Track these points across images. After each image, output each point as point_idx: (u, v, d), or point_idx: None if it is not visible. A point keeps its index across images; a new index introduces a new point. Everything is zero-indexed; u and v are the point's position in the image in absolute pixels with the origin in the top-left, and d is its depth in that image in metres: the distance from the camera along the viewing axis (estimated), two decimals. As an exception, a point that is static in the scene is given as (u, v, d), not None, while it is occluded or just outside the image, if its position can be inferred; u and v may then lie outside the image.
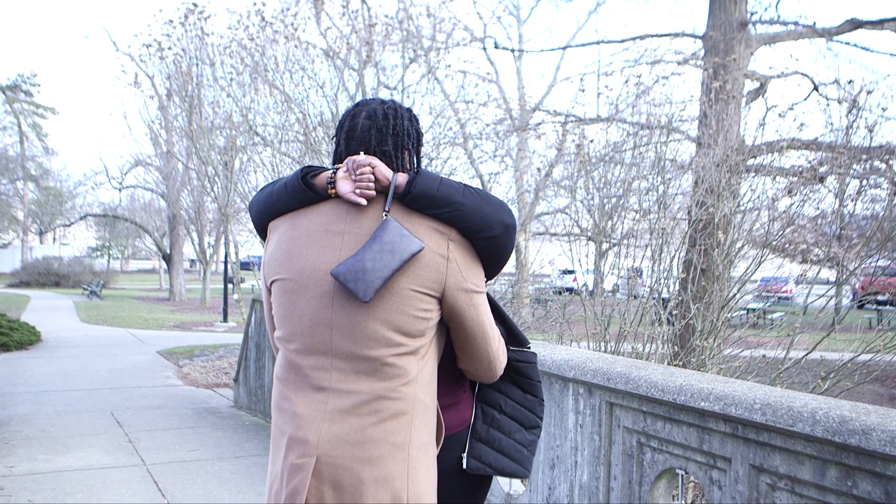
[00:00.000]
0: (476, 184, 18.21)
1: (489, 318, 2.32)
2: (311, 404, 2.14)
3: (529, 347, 2.65)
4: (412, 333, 2.15)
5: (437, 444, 2.32)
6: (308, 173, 2.28)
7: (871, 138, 7.64)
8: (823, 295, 7.33)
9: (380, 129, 2.26)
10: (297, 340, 2.19)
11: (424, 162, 11.56)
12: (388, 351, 2.12)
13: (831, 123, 8.52)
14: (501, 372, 2.45)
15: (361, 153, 2.25)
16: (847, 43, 13.13)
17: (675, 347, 6.82)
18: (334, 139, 2.37)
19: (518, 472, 2.54)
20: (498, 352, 2.39)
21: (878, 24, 12.23)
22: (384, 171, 2.21)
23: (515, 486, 4.67)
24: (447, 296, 2.19)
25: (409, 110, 2.37)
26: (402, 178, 2.21)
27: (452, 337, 2.32)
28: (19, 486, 6.18)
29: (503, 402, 2.56)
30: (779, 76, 12.74)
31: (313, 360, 2.16)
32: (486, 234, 2.24)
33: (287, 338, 2.22)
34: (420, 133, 2.39)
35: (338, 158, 2.32)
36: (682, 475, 3.38)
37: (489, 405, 2.56)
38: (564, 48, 19.03)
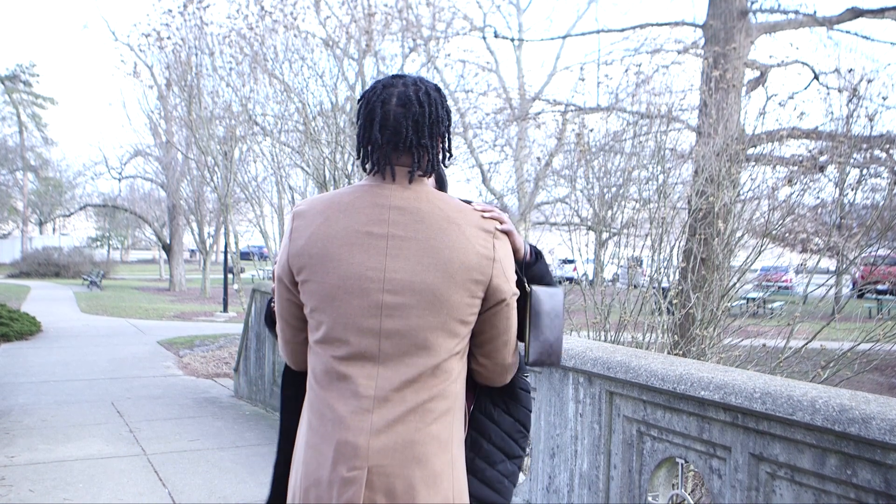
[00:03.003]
0: (476, 174, 18.24)
1: (515, 323, 2.24)
2: (356, 413, 2.08)
3: (528, 375, 2.66)
4: (460, 336, 2.13)
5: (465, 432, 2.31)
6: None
7: (872, 127, 7.64)
8: (823, 284, 7.34)
9: (416, 119, 2.11)
10: (340, 347, 2.12)
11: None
12: (438, 358, 2.10)
13: (831, 112, 8.52)
14: (509, 380, 2.37)
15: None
16: (847, 32, 13.16)
17: (675, 337, 6.82)
18: (359, 122, 2.17)
19: (497, 502, 2.49)
20: (514, 362, 2.32)
21: (879, 12, 12.21)
22: (519, 242, 2.28)
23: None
24: (488, 297, 2.13)
25: (437, 90, 2.21)
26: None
27: (474, 333, 2.20)
28: (20, 476, 6.20)
29: (493, 432, 2.50)
30: (779, 65, 12.73)
31: (358, 369, 2.10)
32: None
33: (327, 342, 2.14)
34: (449, 112, 2.23)
35: (366, 146, 2.15)
36: (681, 464, 3.39)
37: (479, 434, 2.49)
38: (564, 37, 18.98)
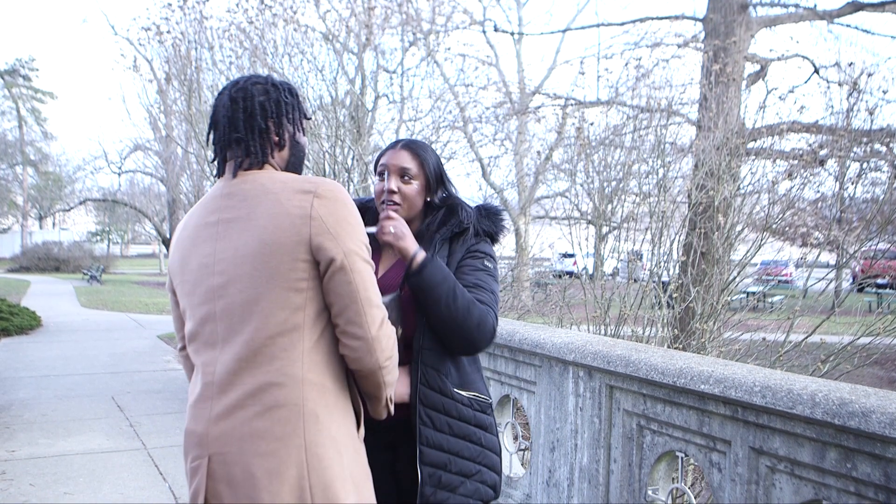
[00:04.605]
0: (476, 168, 18.26)
1: (367, 287, 2.09)
2: (200, 401, 2.10)
3: (488, 398, 2.69)
4: (290, 305, 2.04)
5: (358, 423, 2.20)
6: None
7: (872, 121, 7.65)
8: (823, 278, 7.34)
9: (230, 116, 2.20)
10: (195, 340, 2.17)
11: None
12: (269, 328, 2.03)
13: (832, 106, 8.52)
14: (388, 362, 2.14)
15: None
16: (848, 25, 13.11)
17: (675, 331, 6.83)
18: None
19: None
20: (380, 335, 2.09)
21: (880, 6, 12.21)
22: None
23: (515, 468, 4.69)
24: (315, 258, 2.05)
25: (266, 83, 2.26)
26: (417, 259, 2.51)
27: (329, 308, 2.10)
28: (21, 470, 6.21)
29: (449, 461, 2.53)
30: (779, 59, 12.72)
31: (205, 356, 2.13)
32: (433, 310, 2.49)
33: (188, 338, 2.20)
34: (281, 101, 2.25)
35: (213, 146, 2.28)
36: (681, 458, 3.39)
37: (435, 467, 2.51)
38: (564, 31, 19.02)
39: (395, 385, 2.24)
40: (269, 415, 2.01)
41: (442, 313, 2.47)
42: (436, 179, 2.71)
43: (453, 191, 2.77)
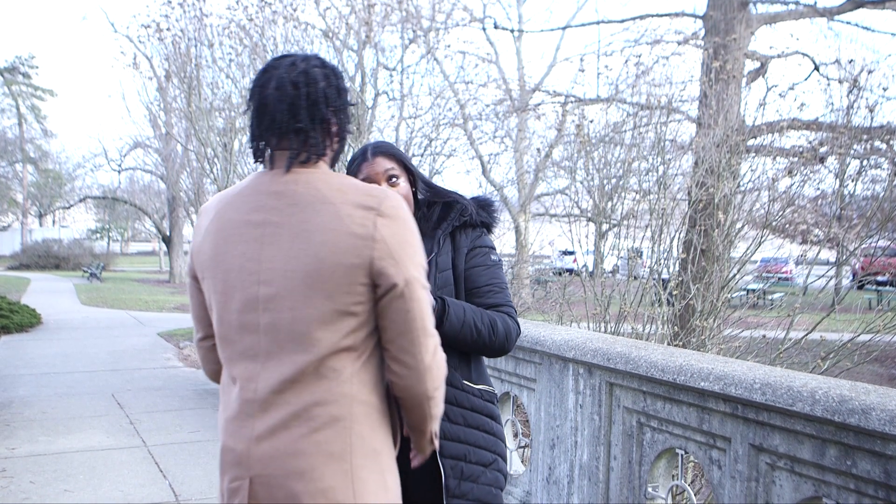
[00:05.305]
0: (476, 165, 18.27)
1: (424, 317, 1.98)
2: (239, 418, 1.98)
3: (495, 389, 2.74)
4: (347, 329, 1.93)
5: (396, 443, 2.10)
6: None
7: (872, 118, 7.64)
8: (823, 275, 7.34)
9: (291, 102, 1.98)
10: (228, 347, 2.02)
11: (422, 142, 11.54)
12: (318, 353, 1.91)
13: (832, 103, 8.53)
14: (437, 392, 2.03)
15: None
16: (848, 22, 13.21)
17: (675, 328, 6.82)
18: (247, 112, 2.10)
19: None
20: (432, 365, 1.99)
21: (880, 3, 12.21)
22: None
23: (515, 466, 4.69)
24: (375, 282, 1.92)
25: (324, 66, 2.08)
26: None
27: (380, 332, 1.99)
28: (21, 468, 6.21)
29: (468, 452, 2.56)
30: (779, 56, 12.71)
31: (242, 369, 1.99)
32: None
33: (220, 342, 2.06)
34: (341, 89, 2.08)
35: (251, 134, 2.07)
36: (681, 455, 3.39)
37: (456, 459, 2.54)
38: (564, 28, 19.00)
39: (440, 417, 2.10)
40: (315, 436, 1.92)
41: (470, 346, 2.58)
42: (410, 165, 2.74)
43: (435, 183, 2.81)
